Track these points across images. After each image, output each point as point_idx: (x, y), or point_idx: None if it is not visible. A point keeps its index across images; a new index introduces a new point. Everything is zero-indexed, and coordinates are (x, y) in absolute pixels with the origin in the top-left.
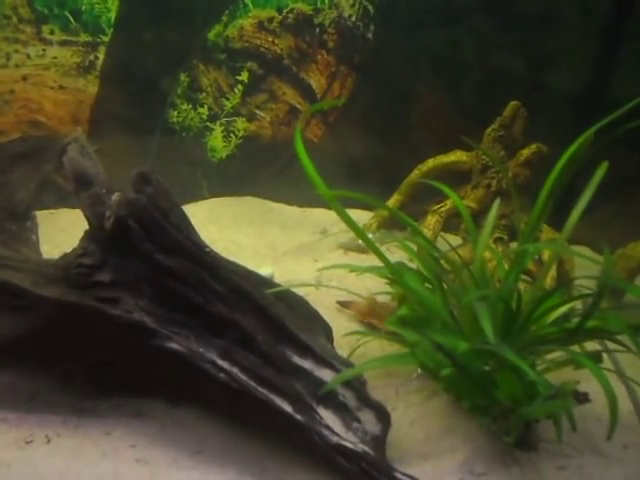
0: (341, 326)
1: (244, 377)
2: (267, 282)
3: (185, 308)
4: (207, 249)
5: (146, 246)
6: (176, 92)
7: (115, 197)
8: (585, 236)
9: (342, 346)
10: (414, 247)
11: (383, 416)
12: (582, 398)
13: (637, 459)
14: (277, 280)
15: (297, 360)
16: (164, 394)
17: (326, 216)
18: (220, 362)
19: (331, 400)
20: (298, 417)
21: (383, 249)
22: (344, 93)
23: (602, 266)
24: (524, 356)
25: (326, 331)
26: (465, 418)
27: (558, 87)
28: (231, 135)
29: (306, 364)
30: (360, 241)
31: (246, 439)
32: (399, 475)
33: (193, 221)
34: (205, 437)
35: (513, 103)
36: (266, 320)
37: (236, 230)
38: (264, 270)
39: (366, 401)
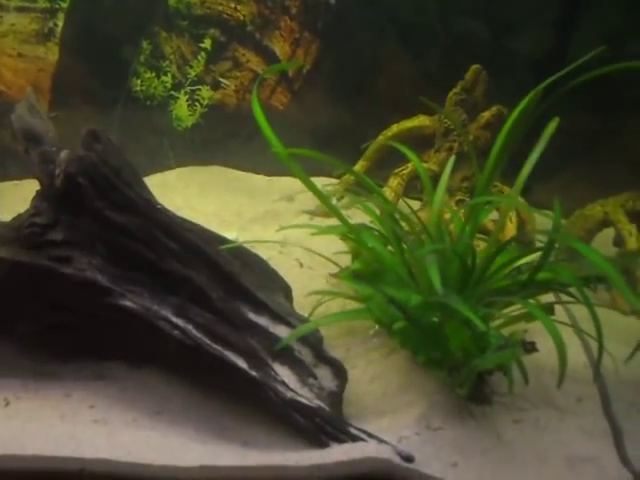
0: (305, 287)
1: (198, 334)
2: (223, 241)
3: (138, 266)
4: (159, 206)
5: (97, 203)
6: (138, 60)
7: (64, 154)
8: (549, 200)
9: (304, 306)
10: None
11: (340, 372)
12: (529, 347)
13: (591, 411)
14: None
15: (252, 317)
16: (126, 357)
17: (293, 184)
18: (174, 319)
19: (287, 356)
20: (253, 373)
21: (349, 213)
22: (308, 60)
23: (552, 221)
24: (478, 309)
25: (285, 290)
26: (423, 373)
27: (521, 51)
28: (196, 104)
29: (261, 321)
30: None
31: (207, 399)
32: (353, 430)
33: (160, 190)
34: (166, 398)
35: (474, 67)
36: (221, 277)
37: (202, 198)
38: (228, 235)
39: (323, 357)
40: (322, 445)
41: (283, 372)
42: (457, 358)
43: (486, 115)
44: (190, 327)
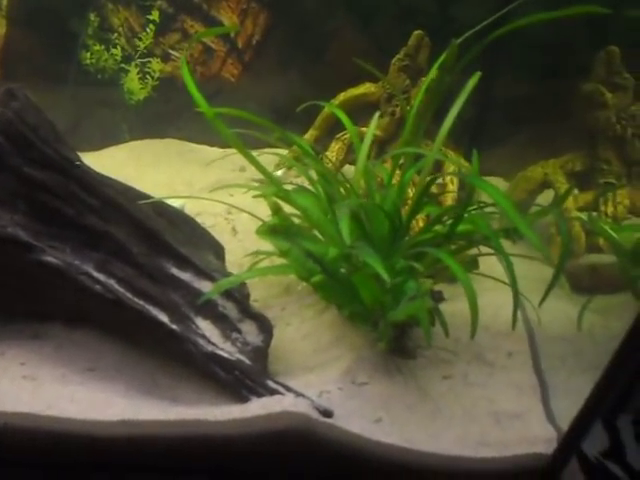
0: (247, 250)
1: (120, 288)
2: (145, 196)
3: (59, 222)
4: (77, 163)
5: (14, 160)
6: (87, 33)
7: None
8: (499, 167)
9: (244, 267)
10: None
11: (265, 327)
12: (437, 297)
13: (520, 366)
14: (188, 211)
15: (175, 272)
16: (62, 316)
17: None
18: (96, 274)
19: (210, 311)
20: (174, 326)
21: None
22: (257, 30)
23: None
24: (397, 261)
25: (216, 249)
26: (354, 329)
27: (466, 20)
28: (147, 76)
29: (185, 276)
30: (277, 173)
31: (142, 357)
32: (271, 384)
33: (112, 162)
34: (99, 356)
35: (416, 32)
36: (142, 233)
37: (154, 169)
38: (175, 202)
39: (248, 313)
40: (243, 399)
41: (205, 326)
42: (376, 311)
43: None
44: (112, 282)
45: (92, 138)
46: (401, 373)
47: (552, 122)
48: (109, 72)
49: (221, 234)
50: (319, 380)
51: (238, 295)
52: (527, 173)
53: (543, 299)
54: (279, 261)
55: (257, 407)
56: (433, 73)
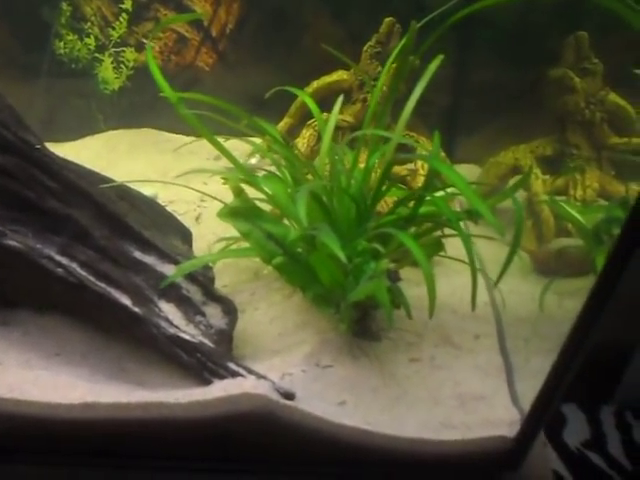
0: (217, 236)
1: (83, 272)
2: (108, 181)
3: (19, 205)
4: (37, 146)
5: None
6: (59, 22)
7: None
8: (474, 154)
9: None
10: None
11: (230, 310)
12: (394, 277)
13: (487, 348)
14: (161, 200)
15: (138, 255)
16: (31, 303)
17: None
18: (58, 257)
19: (174, 294)
20: (136, 310)
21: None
22: (231, 19)
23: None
24: (359, 243)
25: (183, 234)
26: (320, 312)
27: (439, 8)
28: (121, 66)
29: (148, 259)
30: (252, 161)
31: (109, 342)
32: (233, 366)
33: (87, 152)
34: (66, 341)
35: (387, 20)
36: (105, 216)
37: (129, 159)
38: (146, 190)
39: (212, 296)
40: (205, 382)
41: (168, 309)
42: (336, 292)
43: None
44: (74, 265)
45: (68, 129)
46: (366, 356)
47: (526, 108)
48: (83, 62)
49: (192, 221)
50: (283, 363)
51: (202, 278)
52: (498, 159)
53: (498, 279)
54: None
55: (218, 389)
56: (395, 57)
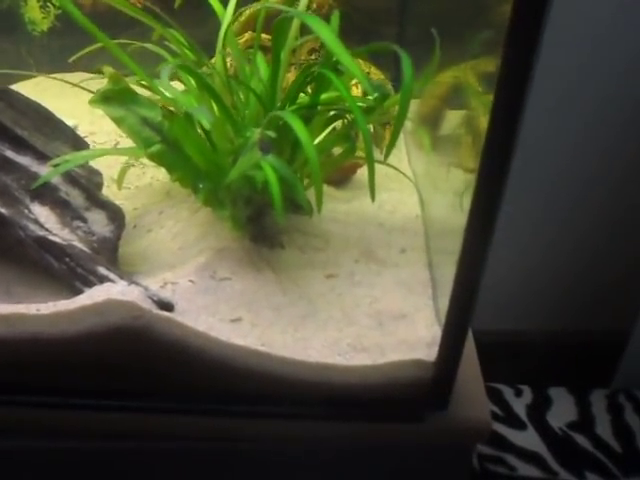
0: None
1: None
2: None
3: None
4: None
5: None
6: None
7: None
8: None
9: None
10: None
11: (116, 216)
12: (266, 148)
13: (412, 262)
14: (81, 131)
15: (10, 154)
16: None
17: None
18: None
19: (49, 196)
20: (2, 210)
21: None
22: None
23: None
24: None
25: (74, 141)
26: (223, 224)
27: None
28: (49, 5)
29: (22, 159)
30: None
31: None
32: (103, 270)
33: None
34: None
35: None
36: None
37: (58, 100)
38: (69, 121)
39: (97, 201)
40: (77, 292)
41: (41, 212)
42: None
43: None
44: None
45: None
46: (272, 270)
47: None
48: (7, 1)
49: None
50: (174, 275)
51: (86, 182)
52: (437, 79)
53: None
54: (162, 174)
55: (84, 298)
56: None
